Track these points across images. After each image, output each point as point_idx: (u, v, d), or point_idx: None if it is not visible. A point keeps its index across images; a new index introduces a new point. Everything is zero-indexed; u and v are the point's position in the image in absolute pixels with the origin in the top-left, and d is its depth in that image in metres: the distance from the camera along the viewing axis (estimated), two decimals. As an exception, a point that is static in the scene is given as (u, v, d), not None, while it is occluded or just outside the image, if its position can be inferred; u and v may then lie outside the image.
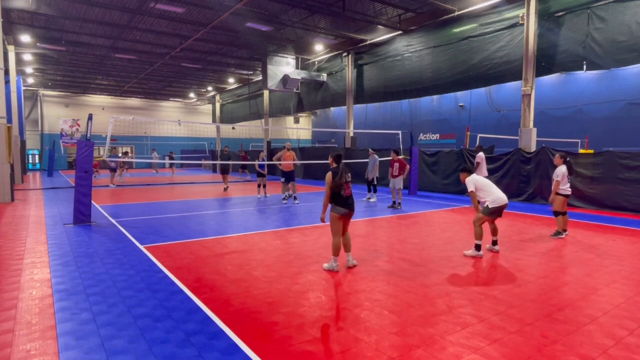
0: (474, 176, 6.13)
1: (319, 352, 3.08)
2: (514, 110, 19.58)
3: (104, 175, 24.90)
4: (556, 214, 7.31)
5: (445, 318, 3.71)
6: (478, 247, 5.92)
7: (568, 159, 7.32)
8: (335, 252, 5.17)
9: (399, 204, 11.07)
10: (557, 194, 7.19)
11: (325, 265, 5.28)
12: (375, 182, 12.70)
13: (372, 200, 12.49)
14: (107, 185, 17.84)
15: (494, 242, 6.25)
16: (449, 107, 25.46)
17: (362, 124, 28.86)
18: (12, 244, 6.56)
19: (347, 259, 5.38)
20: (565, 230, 7.35)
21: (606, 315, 3.80)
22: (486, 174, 11.37)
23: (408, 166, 11.46)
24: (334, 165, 5.23)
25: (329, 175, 5.11)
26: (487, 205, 5.93)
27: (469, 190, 6.05)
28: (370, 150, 13.06)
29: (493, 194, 5.92)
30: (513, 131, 15.81)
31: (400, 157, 11.35)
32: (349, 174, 5.22)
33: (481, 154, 11.59)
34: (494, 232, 6.24)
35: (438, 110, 26.17)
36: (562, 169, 7.15)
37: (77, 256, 5.81)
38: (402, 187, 11.33)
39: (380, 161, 12.95)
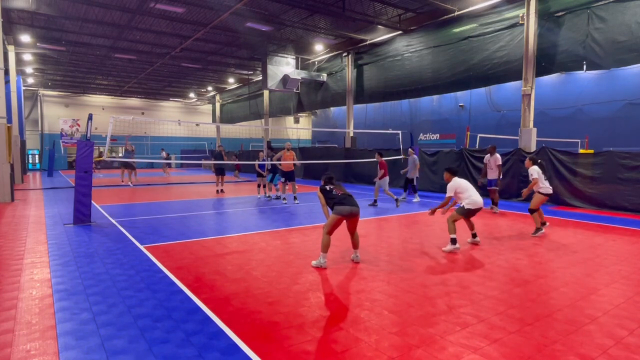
0: (456, 180, 6.41)
1: (319, 352, 3.08)
2: (514, 110, 19.58)
3: (111, 175, 24.94)
4: (532, 211, 7.49)
5: (445, 318, 3.71)
6: (454, 241, 6.15)
7: (539, 160, 7.61)
8: (324, 249, 5.33)
9: (397, 200, 11.52)
10: (538, 192, 7.41)
11: (314, 262, 5.40)
12: (415, 182, 12.73)
13: (415, 200, 12.49)
14: (127, 185, 17.62)
15: (474, 235, 6.64)
16: (449, 107, 25.46)
17: (362, 124, 28.87)
18: (12, 244, 6.56)
19: (353, 255, 5.69)
20: (544, 223, 7.60)
21: (606, 315, 3.80)
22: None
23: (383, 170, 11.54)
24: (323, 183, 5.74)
25: (318, 191, 5.68)
26: (463, 206, 6.23)
27: (447, 195, 6.42)
28: (410, 149, 13.02)
29: (471, 197, 6.22)
30: (513, 131, 15.80)
31: (383, 159, 11.46)
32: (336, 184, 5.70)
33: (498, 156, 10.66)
34: (472, 227, 6.66)
35: (438, 110, 26.18)
36: (535, 168, 7.39)
37: (77, 256, 5.81)
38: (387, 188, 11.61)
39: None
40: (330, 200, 5.42)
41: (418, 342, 3.23)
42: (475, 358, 3.00)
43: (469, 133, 16.32)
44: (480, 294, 4.36)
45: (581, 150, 15.98)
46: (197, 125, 34.40)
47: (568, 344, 3.23)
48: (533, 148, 12.36)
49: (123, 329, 3.46)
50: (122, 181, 17.89)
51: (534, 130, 12.52)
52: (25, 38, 18.18)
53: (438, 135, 26.06)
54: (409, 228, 8.22)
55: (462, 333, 3.40)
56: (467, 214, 6.24)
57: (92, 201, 9.18)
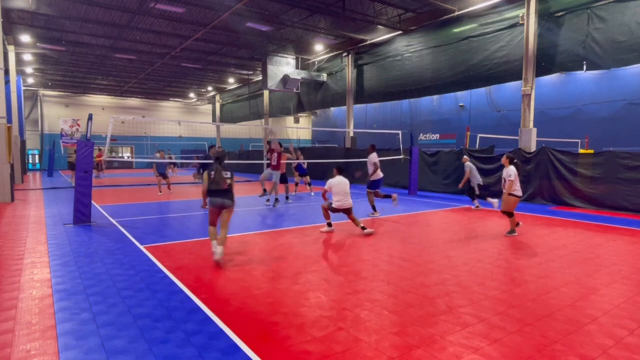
0: (337, 178, 7.58)
1: (319, 352, 3.08)
2: (514, 110, 19.59)
3: (110, 175, 24.92)
4: (509, 214, 7.34)
5: (445, 318, 3.71)
6: (329, 224, 7.71)
7: (515, 160, 7.39)
8: (210, 237, 5.58)
9: (277, 199, 11.04)
10: (511, 194, 7.21)
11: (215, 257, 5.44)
12: (476, 191, 10.87)
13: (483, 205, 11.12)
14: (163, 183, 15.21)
15: (362, 228, 7.48)
16: (449, 107, 25.47)
17: (362, 124, 28.87)
18: (12, 244, 6.56)
19: (213, 247, 5.51)
20: (518, 224, 7.57)
21: (606, 315, 3.80)
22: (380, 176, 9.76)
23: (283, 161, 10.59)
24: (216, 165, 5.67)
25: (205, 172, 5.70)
26: (331, 203, 7.52)
27: (325, 187, 7.57)
28: (464, 157, 11.55)
29: (339, 200, 7.43)
30: (513, 131, 15.81)
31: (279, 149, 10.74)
32: (223, 172, 5.53)
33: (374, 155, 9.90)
34: (355, 222, 7.57)
35: (438, 110, 26.18)
36: (513, 169, 7.19)
37: (77, 256, 5.81)
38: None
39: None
40: (208, 186, 5.48)
41: (418, 342, 3.23)
42: (475, 358, 3.00)
43: (469, 133, 16.33)
44: (480, 294, 4.36)
45: (581, 150, 15.97)
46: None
47: (568, 344, 3.23)
48: (533, 148, 12.36)
49: (123, 329, 3.46)
50: (160, 190, 14.96)
51: (534, 130, 12.52)
52: (25, 38, 18.17)
53: (438, 135, 26.07)
54: (409, 228, 8.23)
55: (462, 333, 3.40)
56: (335, 210, 7.50)
57: (92, 201, 9.17)
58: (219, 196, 5.50)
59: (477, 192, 10.87)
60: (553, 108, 20.23)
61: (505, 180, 7.32)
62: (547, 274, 5.08)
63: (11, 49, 19.12)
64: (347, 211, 7.58)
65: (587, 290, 4.48)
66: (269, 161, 10.83)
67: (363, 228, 7.45)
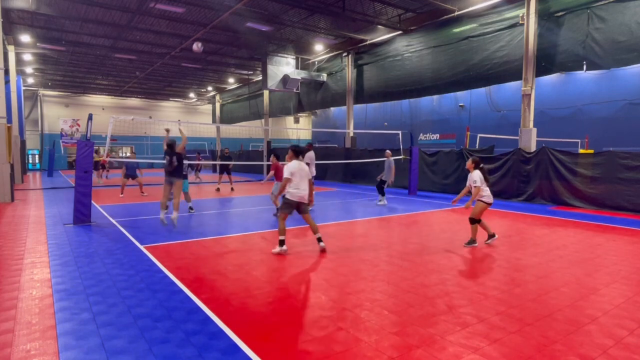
0: (294, 163, 6.08)
1: (319, 352, 3.08)
2: (514, 110, 19.59)
3: (114, 175, 24.87)
4: (473, 221, 6.59)
5: (445, 318, 3.71)
6: (281, 243, 5.98)
7: (482, 165, 6.67)
8: (161, 206, 7.85)
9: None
10: (481, 201, 6.52)
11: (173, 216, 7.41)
12: (384, 186, 11.77)
13: (382, 203, 11.76)
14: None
15: (318, 240, 6.16)
16: (449, 107, 25.48)
17: (362, 124, 28.86)
18: (12, 244, 6.56)
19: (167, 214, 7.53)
20: (493, 235, 6.76)
21: (606, 315, 3.80)
22: (314, 173, 10.55)
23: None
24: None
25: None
26: (283, 197, 6.05)
27: (285, 176, 6.00)
28: (387, 151, 12.10)
29: (297, 188, 5.96)
30: (513, 131, 15.81)
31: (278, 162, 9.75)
32: (171, 157, 7.92)
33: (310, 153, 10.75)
34: (312, 228, 6.20)
35: (438, 110, 26.19)
36: (478, 174, 6.49)
37: (77, 256, 5.81)
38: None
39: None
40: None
41: (418, 342, 3.23)
42: (475, 358, 3.00)
43: (469, 133, 16.33)
44: (480, 294, 4.36)
45: (581, 150, 15.98)
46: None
47: (568, 344, 3.23)
48: (533, 148, 12.36)
49: (123, 329, 3.46)
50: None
51: (534, 130, 12.52)
52: (25, 38, 18.17)
53: (438, 135, 26.08)
54: (409, 228, 8.22)
55: (462, 333, 3.40)
56: (287, 204, 5.98)
57: (92, 201, 9.17)
58: (168, 175, 7.77)
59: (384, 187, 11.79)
60: (553, 108, 20.24)
61: (472, 187, 6.59)
62: (547, 274, 5.08)
63: (11, 49, 19.12)
64: (302, 208, 6.05)
65: (587, 290, 4.48)
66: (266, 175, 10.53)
67: (319, 240, 6.14)
